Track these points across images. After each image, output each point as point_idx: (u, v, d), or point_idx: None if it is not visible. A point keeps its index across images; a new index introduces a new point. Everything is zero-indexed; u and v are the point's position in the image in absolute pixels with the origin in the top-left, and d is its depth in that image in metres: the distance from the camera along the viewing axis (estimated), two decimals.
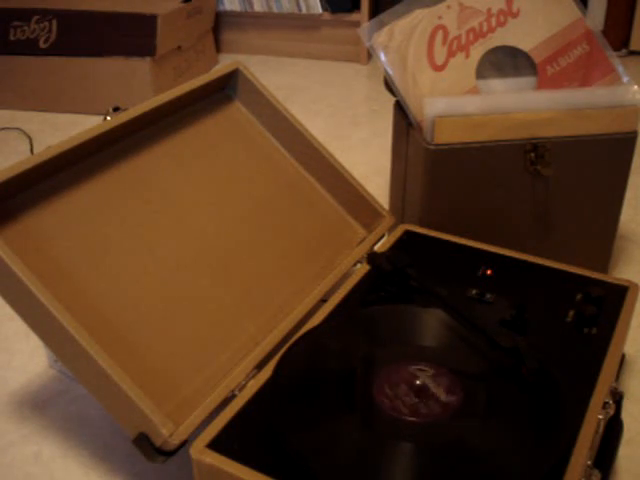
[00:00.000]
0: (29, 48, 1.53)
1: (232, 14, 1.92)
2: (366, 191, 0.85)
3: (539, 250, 0.88)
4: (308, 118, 1.52)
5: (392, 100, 0.93)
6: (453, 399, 0.55)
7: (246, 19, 1.92)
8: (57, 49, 1.52)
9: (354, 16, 1.82)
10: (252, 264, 0.74)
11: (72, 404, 0.76)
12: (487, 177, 0.83)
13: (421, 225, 0.84)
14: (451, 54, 0.86)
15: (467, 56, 0.86)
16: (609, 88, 0.83)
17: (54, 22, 1.51)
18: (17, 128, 1.50)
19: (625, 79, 0.88)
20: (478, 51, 0.86)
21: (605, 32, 1.80)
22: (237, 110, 0.84)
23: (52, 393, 0.78)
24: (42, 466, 0.69)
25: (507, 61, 0.88)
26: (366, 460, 0.51)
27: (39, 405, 0.76)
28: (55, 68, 1.53)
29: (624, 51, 1.83)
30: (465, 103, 0.80)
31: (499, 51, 0.87)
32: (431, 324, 0.63)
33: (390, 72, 0.86)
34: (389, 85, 0.87)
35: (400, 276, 0.69)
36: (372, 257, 0.72)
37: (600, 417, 0.56)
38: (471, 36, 0.86)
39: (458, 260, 0.75)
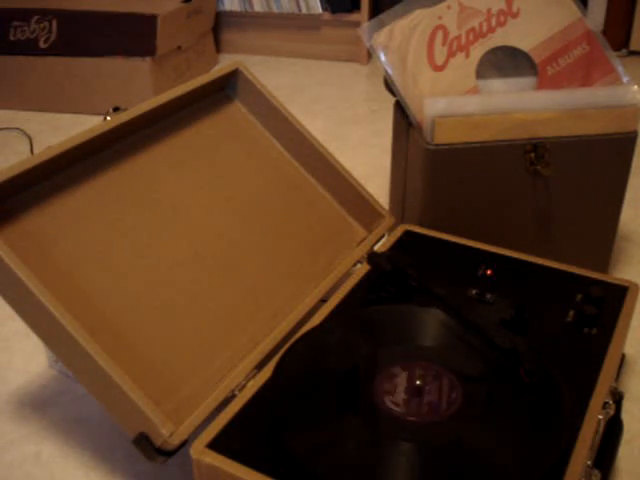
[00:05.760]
0: (29, 48, 1.53)
1: (232, 14, 1.92)
2: (366, 191, 0.85)
3: (539, 250, 0.88)
4: (308, 118, 1.52)
5: (392, 100, 0.93)
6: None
7: (246, 19, 1.92)
8: (57, 49, 1.52)
9: (354, 16, 1.82)
10: (252, 264, 0.74)
11: (72, 404, 0.76)
12: (487, 177, 0.83)
13: (421, 225, 0.84)
14: (451, 54, 0.86)
15: (467, 56, 0.86)
16: (609, 88, 0.83)
17: (54, 22, 1.51)
18: (17, 128, 1.50)
19: (625, 79, 0.88)
20: (478, 51, 0.86)
21: (605, 32, 1.80)
22: (237, 110, 0.84)
23: (52, 393, 0.78)
24: (42, 466, 0.69)
25: (507, 61, 0.88)
26: (366, 460, 0.51)
27: (39, 405, 0.76)
28: (55, 68, 1.53)
29: (624, 51, 1.83)
30: (465, 103, 0.80)
31: (499, 51, 0.87)
32: (431, 324, 0.63)
33: (390, 72, 0.86)
34: (389, 85, 0.87)
35: (400, 276, 0.69)
36: (372, 257, 0.72)
37: (600, 417, 0.56)
38: (471, 36, 0.86)
39: (458, 260, 0.75)
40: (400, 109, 0.90)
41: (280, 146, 0.85)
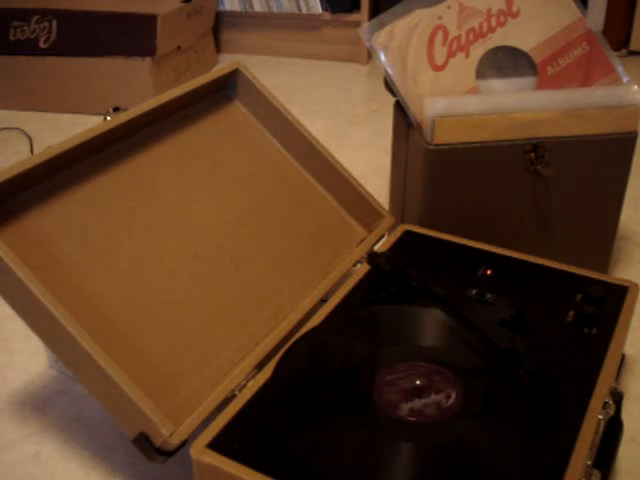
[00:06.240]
0: (29, 48, 1.53)
1: (232, 14, 1.92)
2: (366, 191, 0.85)
3: (539, 250, 0.88)
4: (308, 118, 1.52)
5: (392, 100, 0.93)
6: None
7: (246, 19, 1.92)
8: (57, 49, 1.52)
9: (354, 16, 1.82)
10: (252, 264, 0.74)
11: (72, 404, 0.76)
12: (487, 177, 0.83)
13: (421, 225, 0.84)
14: (451, 54, 0.86)
15: (467, 56, 0.86)
16: (609, 88, 0.83)
17: (54, 22, 1.51)
18: (17, 128, 1.50)
19: (625, 79, 0.88)
20: (478, 51, 0.86)
21: (605, 32, 1.80)
22: (237, 110, 0.84)
23: (52, 393, 0.78)
24: (42, 466, 0.69)
25: (507, 61, 0.88)
26: (366, 460, 0.51)
27: (39, 405, 0.76)
28: (55, 68, 1.53)
29: (624, 51, 1.83)
30: (465, 103, 0.80)
31: (499, 51, 0.87)
32: (431, 324, 0.63)
33: (390, 72, 0.86)
34: (389, 85, 0.87)
35: (400, 276, 0.69)
36: (372, 257, 0.72)
37: (600, 417, 0.56)
38: (471, 36, 0.86)
39: (458, 260, 0.75)
40: (400, 109, 0.90)
41: (280, 146, 0.85)
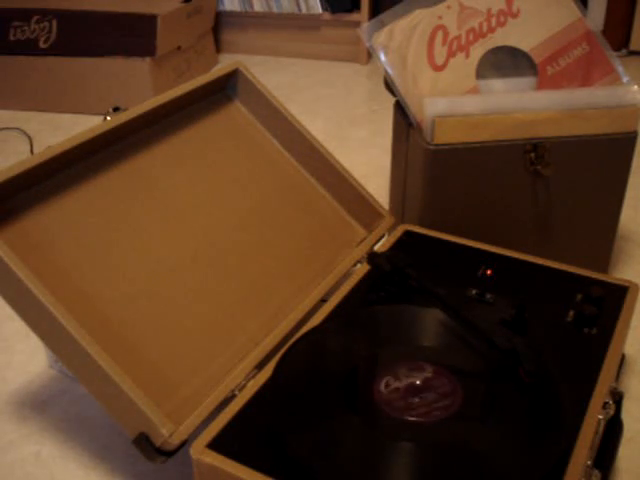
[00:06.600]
0: (29, 48, 1.53)
1: (232, 14, 1.92)
2: (366, 191, 0.85)
3: (539, 250, 0.88)
4: (308, 118, 1.52)
5: (392, 100, 0.93)
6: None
7: (246, 19, 1.92)
8: (57, 49, 1.52)
9: (354, 16, 1.82)
10: (252, 264, 0.74)
11: (72, 404, 0.76)
12: (487, 177, 0.83)
13: (421, 225, 0.84)
14: (451, 54, 0.86)
15: (467, 56, 0.86)
16: (609, 88, 0.83)
17: (54, 22, 1.51)
18: (17, 128, 1.50)
19: (625, 79, 0.88)
20: (478, 51, 0.86)
21: (605, 32, 1.80)
22: (237, 110, 0.84)
23: (52, 393, 0.78)
24: (42, 466, 0.69)
25: (507, 61, 0.88)
26: (366, 460, 0.51)
27: (39, 405, 0.76)
28: (55, 68, 1.53)
29: (624, 51, 1.83)
30: (465, 103, 0.80)
31: (499, 51, 0.87)
32: (431, 324, 0.63)
33: (390, 72, 0.86)
34: (389, 85, 0.87)
35: (400, 276, 0.69)
36: (372, 257, 0.72)
37: (600, 417, 0.56)
38: (471, 36, 0.86)
39: (458, 260, 0.75)
40: (400, 109, 0.90)
41: (280, 146, 0.85)
